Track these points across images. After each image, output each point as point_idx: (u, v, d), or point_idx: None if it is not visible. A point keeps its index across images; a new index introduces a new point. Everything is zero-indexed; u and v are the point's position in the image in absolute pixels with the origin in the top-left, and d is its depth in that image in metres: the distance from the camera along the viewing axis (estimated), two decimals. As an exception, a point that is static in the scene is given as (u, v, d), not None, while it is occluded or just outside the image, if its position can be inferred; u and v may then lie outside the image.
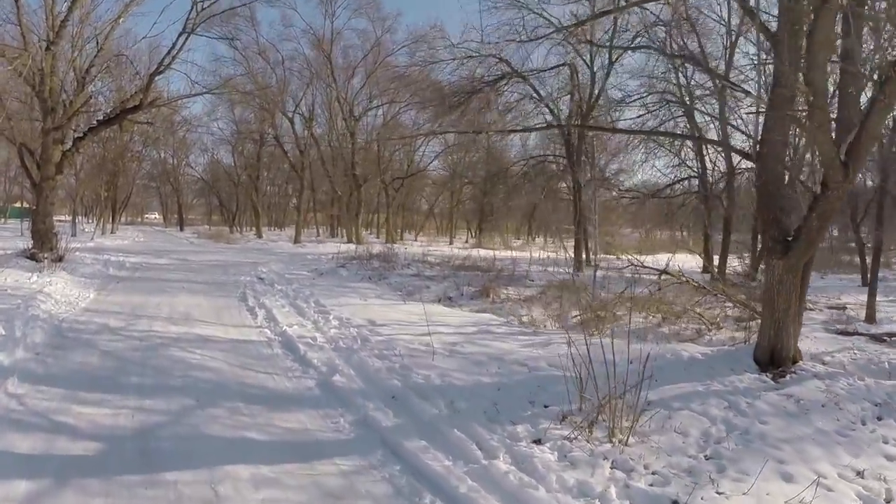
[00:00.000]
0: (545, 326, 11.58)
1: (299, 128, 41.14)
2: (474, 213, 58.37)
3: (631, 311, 11.47)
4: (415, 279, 18.45)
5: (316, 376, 7.52)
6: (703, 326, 11.59)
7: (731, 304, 12.76)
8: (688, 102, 24.07)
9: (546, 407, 6.49)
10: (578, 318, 12.37)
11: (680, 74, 24.07)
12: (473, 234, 58.63)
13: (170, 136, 40.93)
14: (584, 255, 25.06)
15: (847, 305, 15.69)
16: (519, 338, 10.02)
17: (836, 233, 32.43)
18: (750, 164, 21.70)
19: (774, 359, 7.71)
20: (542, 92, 26.00)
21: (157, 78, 20.47)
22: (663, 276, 13.27)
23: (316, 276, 19.05)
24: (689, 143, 26.02)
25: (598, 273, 17.79)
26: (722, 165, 25.33)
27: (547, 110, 27.24)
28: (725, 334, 10.99)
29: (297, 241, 38.46)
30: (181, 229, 60.26)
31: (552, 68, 25.75)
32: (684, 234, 40.24)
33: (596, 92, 25.30)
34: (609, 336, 10.37)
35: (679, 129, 25.13)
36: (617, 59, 24.88)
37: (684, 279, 12.89)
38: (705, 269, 24.52)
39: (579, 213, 25.42)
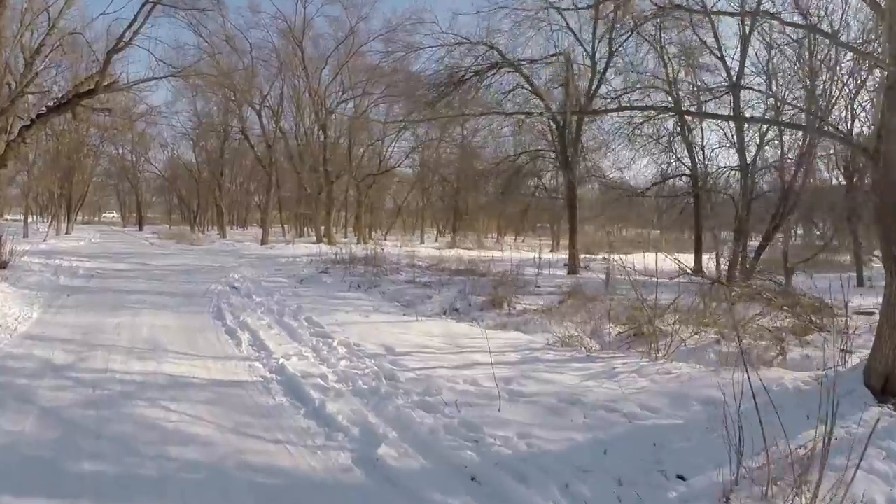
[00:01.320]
0: (589, 346, 9.65)
1: (266, 121, 38.59)
2: (444, 212, 56.63)
3: (675, 325, 9.97)
4: (410, 287, 16.40)
5: (348, 445, 5.33)
6: (771, 343, 9.72)
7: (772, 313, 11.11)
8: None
9: (684, 479, 4.66)
10: (620, 334, 10.57)
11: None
12: (442, 232, 56.81)
13: (128, 131, 38.03)
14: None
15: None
16: (575, 366, 8.10)
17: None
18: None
19: (889, 386, 6.13)
20: (534, 82, 24.00)
21: (115, 57, 18.01)
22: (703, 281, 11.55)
23: (297, 284, 16.88)
24: (679, 139, 24.72)
25: (589, 275, 16.42)
26: (722, 162, 24.13)
27: (535, 103, 25.39)
28: (795, 352, 9.25)
29: (264, 241, 35.98)
30: (140, 229, 57.45)
31: (546, 58, 23.91)
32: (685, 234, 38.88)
33: (596, 83, 23.43)
34: (670, 357, 8.75)
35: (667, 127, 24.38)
36: (619, 47, 22.94)
37: (744, 287, 11.09)
38: (697, 271, 22.67)
39: (571, 211, 24.14)
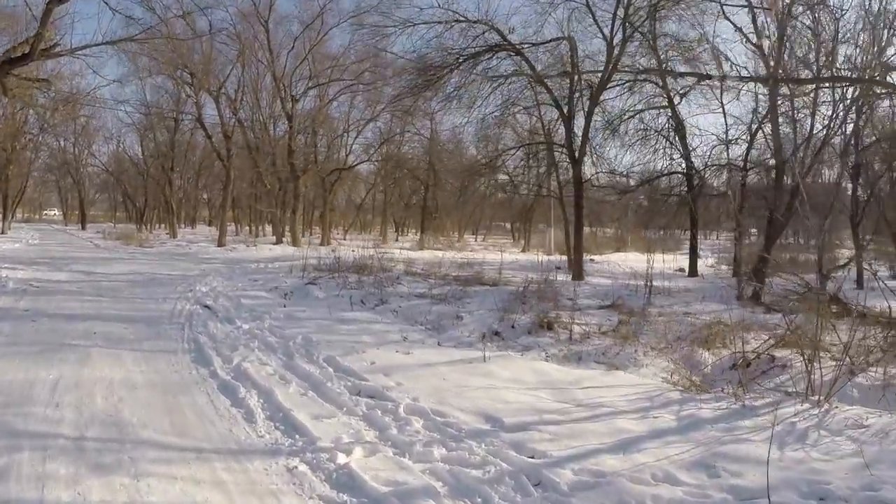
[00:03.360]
0: (705, 384, 7.59)
1: (224, 110, 34.67)
2: (405, 210, 54.13)
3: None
4: (425, 302, 13.40)
5: None
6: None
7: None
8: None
9: None
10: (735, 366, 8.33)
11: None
12: (401, 231, 53.87)
13: (71, 117, 33.86)
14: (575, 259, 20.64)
15: None
16: (744, 424, 5.90)
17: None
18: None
19: None
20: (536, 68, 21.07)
21: (58, 15, 14.39)
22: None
23: (284, 301, 13.62)
24: (674, 134, 22.53)
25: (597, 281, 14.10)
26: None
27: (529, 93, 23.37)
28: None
29: (221, 243, 32.24)
30: (83, 228, 52.81)
31: (549, 41, 20.99)
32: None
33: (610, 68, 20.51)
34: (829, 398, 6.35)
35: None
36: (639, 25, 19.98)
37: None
38: (692, 272, 21.56)
39: (578, 211, 20.94)
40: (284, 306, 12.80)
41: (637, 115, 22.59)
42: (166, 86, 38.27)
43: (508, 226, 63.43)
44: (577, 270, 19.68)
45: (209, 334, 9.74)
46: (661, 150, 22.83)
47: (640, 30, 19.29)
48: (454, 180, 46.94)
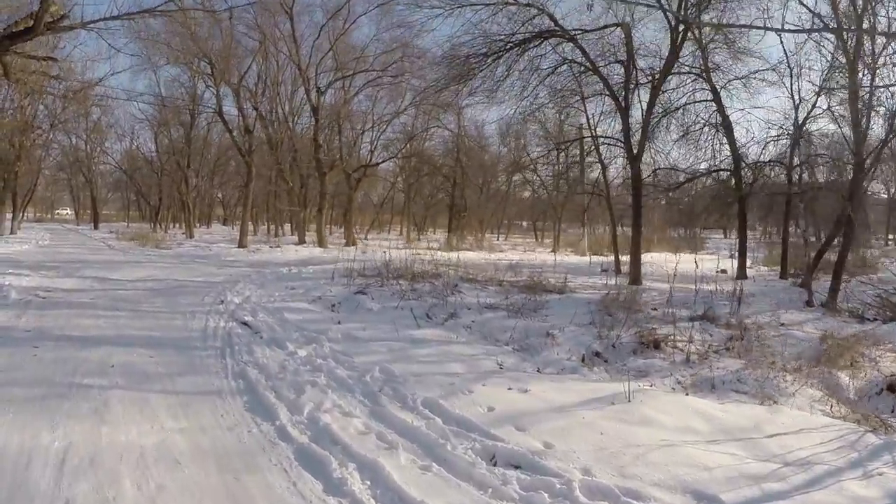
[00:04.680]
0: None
1: (245, 103, 32.55)
2: (430, 209, 52.87)
3: None
4: (498, 315, 11.35)
5: None
6: None
7: None
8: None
9: None
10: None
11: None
12: (422, 230, 51.76)
13: (83, 107, 31.78)
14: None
15: None
16: None
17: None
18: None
19: None
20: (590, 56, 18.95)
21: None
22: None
23: (333, 314, 11.66)
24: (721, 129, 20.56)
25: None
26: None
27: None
28: None
29: (242, 244, 30.18)
30: (95, 227, 50.92)
31: (603, 28, 18.57)
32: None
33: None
34: None
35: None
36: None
37: None
38: (741, 274, 19.50)
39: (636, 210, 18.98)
40: (338, 323, 10.69)
41: (681, 110, 20.74)
42: (181, 79, 36.52)
43: (524, 224, 61.60)
44: (635, 274, 17.75)
45: (258, 364, 7.63)
46: (708, 147, 20.96)
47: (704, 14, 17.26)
48: (489, 177, 45.38)
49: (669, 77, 19.18)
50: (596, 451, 5.03)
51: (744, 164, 20.59)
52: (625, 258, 20.63)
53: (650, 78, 19.56)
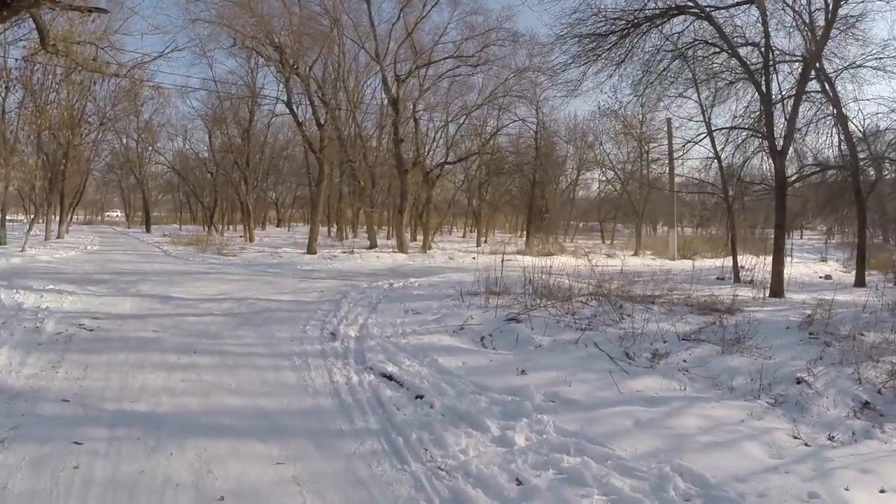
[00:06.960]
0: None
1: (314, 95, 29.34)
2: (499, 209, 50.52)
3: None
4: (705, 351, 8.05)
5: None
6: None
7: None
8: None
9: None
10: None
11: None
12: (485, 233, 48.32)
13: (132, 116, 29.18)
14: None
15: None
16: None
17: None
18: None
19: None
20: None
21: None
22: None
23: (495, 354, 8.12)
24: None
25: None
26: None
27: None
28: None
29: (312, 250, 26.91)
30: (147, 230, 48.32)
31: (736, 4, 16.45)
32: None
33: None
34: None
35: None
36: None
37: None
38: (859, 282, 17.72)
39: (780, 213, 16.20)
40: (522, 372, 7.13)
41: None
42: (239, 72, 33.67)
43: (580, 225, 59.82)
44: (776, 285, 14.86)
45: (469, 474, 4.25)
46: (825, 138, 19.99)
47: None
48: (558, 174, 42.11)
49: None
50: None
51: (866, 157, 19.35)
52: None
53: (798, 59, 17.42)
